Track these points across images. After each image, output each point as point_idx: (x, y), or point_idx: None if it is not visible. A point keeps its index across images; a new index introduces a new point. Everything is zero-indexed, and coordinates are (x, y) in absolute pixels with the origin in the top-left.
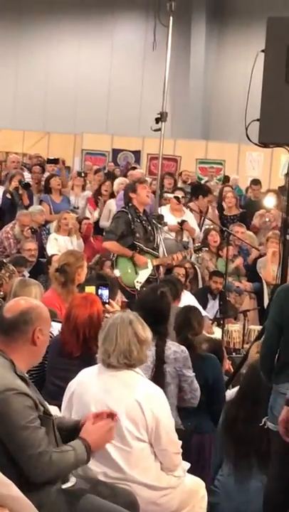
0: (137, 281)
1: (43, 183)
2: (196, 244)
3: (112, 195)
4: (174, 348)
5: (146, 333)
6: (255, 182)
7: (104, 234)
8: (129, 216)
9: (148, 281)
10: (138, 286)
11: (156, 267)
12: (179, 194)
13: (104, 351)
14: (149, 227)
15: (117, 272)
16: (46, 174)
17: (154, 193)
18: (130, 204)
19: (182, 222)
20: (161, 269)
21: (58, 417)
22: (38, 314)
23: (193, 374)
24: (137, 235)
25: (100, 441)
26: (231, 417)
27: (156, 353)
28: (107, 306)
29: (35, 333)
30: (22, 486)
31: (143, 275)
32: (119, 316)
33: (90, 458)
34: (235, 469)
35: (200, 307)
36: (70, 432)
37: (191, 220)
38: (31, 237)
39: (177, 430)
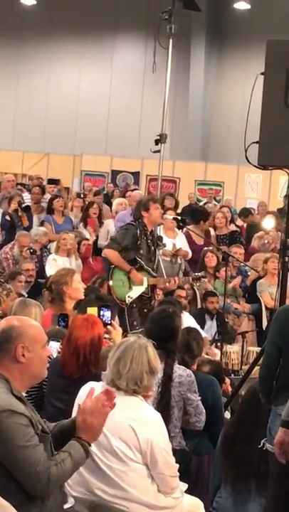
0: (129, 296)
1: (43, 204)
2: (197, 274)
3: (100, 217)
4: (179, 371)
5: (158, 363)
6: (244, 213)
7: (108, 241)
8: (138, 231)
9: (140, 298)
10: (128, 301)
11: (151, 287)
12: (172, 214)
13: (117, 372)
14: (153, 248)
15: (110, 282)
16: (47, 195)
17: None
18: (140, 220)
19: (176, 251)
20: (160, 290)
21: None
22: (20, 332)
23: (199, 398)
24: (141, 251)
25: (96, 431)
26: (230, 438)
27: (165, 371)
28: (108, 327)
29: (18, 350)
30: (24, 503)
31: (136, 291)
32: (136, 341)
33: (89, 453)
34: (234, 491)
35: (198, 328)
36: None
37: (183, 241)
38: (30, 257)
39: (181, 451)
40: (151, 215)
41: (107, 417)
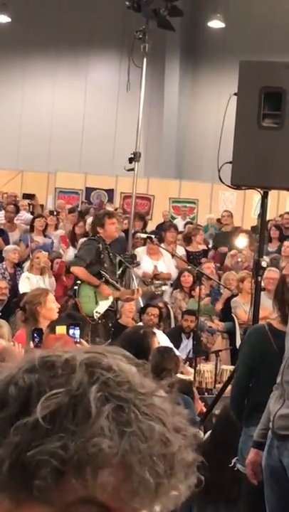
0: (96, 311)
1: (17, 221)
2: (158, 281)
3: (86, 235)
4: None
5: None
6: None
7: (73, 259)
8: (100, 246)
9: (105, 312)
10: (96, 316)
11: (116, 300)
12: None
13: None
14: (115, 260)
15: (77, 299)
16: (22, 212)
17: (126, 231)
18: (98, 235)
19: (156, 274)
20: (131, 307)
21: None
22: (9, 354)
23: None
24: (105, 265)
25: None
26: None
27: None
28: (78, 345)
29: None
30: None
31: (103, 306)
32: None
33: None
34: None
35: (172, 346)
36: None
37: (169, 262)
38: (1, 273)
39: None
40: (106, 230)
41: None
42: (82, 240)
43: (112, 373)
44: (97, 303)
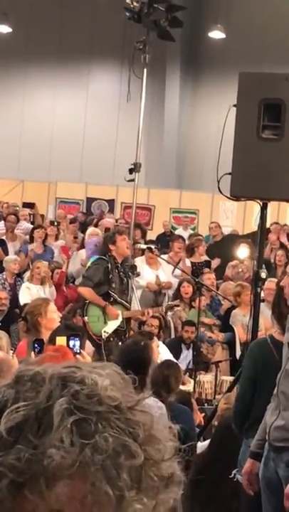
0: (104, 331)
1: (17, 231)
2: (169, 303)
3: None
4: (149, 402)
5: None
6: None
7: (81, 279)
8: (109, 265)
9: (116, 332)
10: (104, 336)
11: (126, 320)
12: (151, 246)
13: None
14: (125, 279)
15: (86, 318)
16: (21, 222)
17: None
18: (109, 254)
19: (160, 286)
20: (132, 321)
21: None
22: (9, 366)
23: None
24: (114, 285)
25: None
26: (199, 479)
27: None
28: (78, 356)
29: None
30: None
31: (111, 326)
32: None
33: None
34: None
35: (171, 357)
36: None
37: (167, 272)
38: (1, 284)
39: None
40: (118, 247)
41: None
42: (81, 251)
43: (82, 386)
44: (106, 322)
